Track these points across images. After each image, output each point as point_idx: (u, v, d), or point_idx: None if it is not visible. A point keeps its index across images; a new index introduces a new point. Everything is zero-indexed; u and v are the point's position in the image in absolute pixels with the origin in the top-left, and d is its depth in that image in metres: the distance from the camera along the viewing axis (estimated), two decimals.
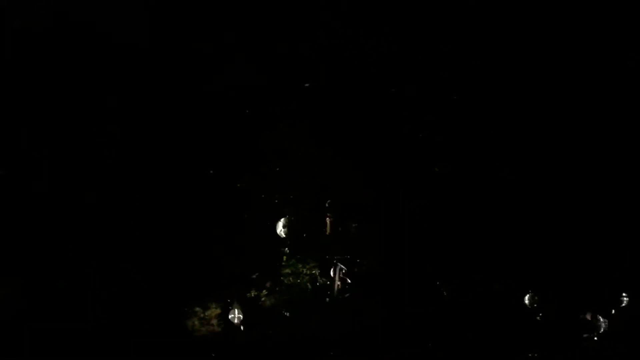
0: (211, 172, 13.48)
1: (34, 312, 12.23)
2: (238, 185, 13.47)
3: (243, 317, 13.09)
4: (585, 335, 13.49)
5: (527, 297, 13.48)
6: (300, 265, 13.25)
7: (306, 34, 13.63)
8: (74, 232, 12.67)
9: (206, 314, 13.13)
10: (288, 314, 13.08)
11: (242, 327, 13.12)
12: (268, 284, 13.30)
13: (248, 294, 13.22)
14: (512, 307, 13.51)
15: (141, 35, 13.36)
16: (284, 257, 13.36)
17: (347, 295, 13.22)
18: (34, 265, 12.45)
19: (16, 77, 13.02)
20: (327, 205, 13.52)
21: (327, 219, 13.56)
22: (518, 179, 13.39)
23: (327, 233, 13.56)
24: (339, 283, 13.31)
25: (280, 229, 13.49)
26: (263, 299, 13.23)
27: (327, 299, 13.24)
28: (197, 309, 13.11)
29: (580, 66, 13.39)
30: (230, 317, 13.14)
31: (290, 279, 13.21)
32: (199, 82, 13.58)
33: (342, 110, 13.36)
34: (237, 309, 13.12)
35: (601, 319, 13.48)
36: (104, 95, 13.29)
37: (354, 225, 13.50)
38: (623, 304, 13.57)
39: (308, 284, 13.25)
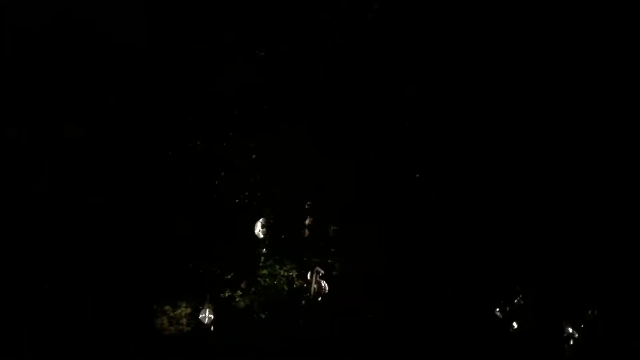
0: (192, 169, 13.34)
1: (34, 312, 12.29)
2: (216, 182, 13.35)
3: (215, 318, 12.87)
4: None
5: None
6: (277, 267, 13.08)
7: (306, 34, 13.62)
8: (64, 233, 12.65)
9: (176, 313, 12.97)
10: (263, 316, 12.91)
11: (212, 328, 12.93)
12: (243, 285, 13.13)
13: (222, 294, 13.03)
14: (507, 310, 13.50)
15: (141, 35, 13.34)
16: (262, 258, 13.21)
17: (324, 297, 13.06)
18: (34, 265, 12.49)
19: (16, 77, 13.01)
20: (306, 207, 13.40)
21: (307, 221, 13.44)
22: (515, 180, 13.39)
23: (306, 235, 13.42)
24: (315, 286, 13.15)
25: (258, 229, 13.35)
26: (237, 299, 13.05)
27: (303, 302, 13.07)
28: (167, 307, 12.95)
29: (580, 66, 13.35)
30: (200, 317, 12.98)
31: (267, 280, 13.03)
32: (199, 82, 13.58)
33: (340, 110, 13.34)
34: (208, 309, 12.94)
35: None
36: (104, 95, 13.29)
37: (333, 228, 13.38)
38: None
39: (285, 285, 13.07)
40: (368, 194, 13.30)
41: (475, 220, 13.36)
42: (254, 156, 13.46)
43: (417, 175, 13.53)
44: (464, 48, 13.50)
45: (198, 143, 13.50)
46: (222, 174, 13.49)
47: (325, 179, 13.21)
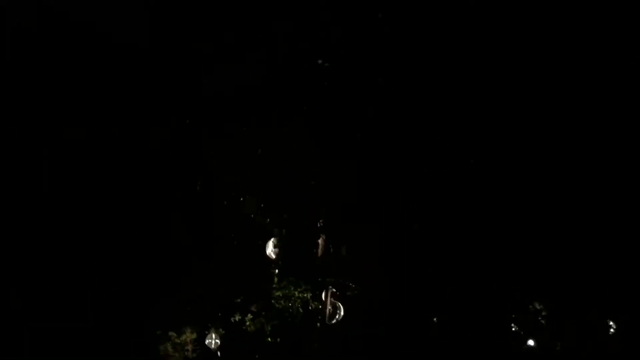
0: (198, 183, 13.13)
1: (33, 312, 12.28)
2: (224, 201, 13.06)
3: (222, 343, 12.39)
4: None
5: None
6: (292, 288, 12.62)
7: (306, 34, 13.62)
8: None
9: (181, 338, 12.49)
10: (278, 340, 12.48)
11: (219, 354, 12.47)
12: (254, 308, 12.72)
13: (232, 318, 12.63)
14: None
15: (141, 35, 13.36)
16: (275, 280, 12.72)
17: (339, 320, 12.67)
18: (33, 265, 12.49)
19: (16, 77, 13.03)
20: (319, 225, 12.96)
21: (320, 240, 13.00)
22: (518, 182, 13.34)
23: (319, 254, 12.95)
24: (330, 307, 12.67)
25: (270, 249, 12.87)
26: (248, 323, 12.63)
27: (318, 324, 12.60)
28: (171, 333, 12.49)
29: (580, 66, 13.32)
30: (207, 342, 12.51)
31: (282, 302, 12.58)
32: (199, 82, 13.59)
33: (342, 114, 13.30)
34: (214, 334, 12.47)
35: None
36: (104, 95, 13.29)
37: (349, 245, 13.00)
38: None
39: (300, 308, 12.64)
40: (373, 197, 13.20)
41: (479, 221, 13.33)
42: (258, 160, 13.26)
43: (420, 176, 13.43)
44: (464, 48, 13.48)
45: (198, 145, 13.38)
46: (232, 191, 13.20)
47: (332, 182, 12.99)
